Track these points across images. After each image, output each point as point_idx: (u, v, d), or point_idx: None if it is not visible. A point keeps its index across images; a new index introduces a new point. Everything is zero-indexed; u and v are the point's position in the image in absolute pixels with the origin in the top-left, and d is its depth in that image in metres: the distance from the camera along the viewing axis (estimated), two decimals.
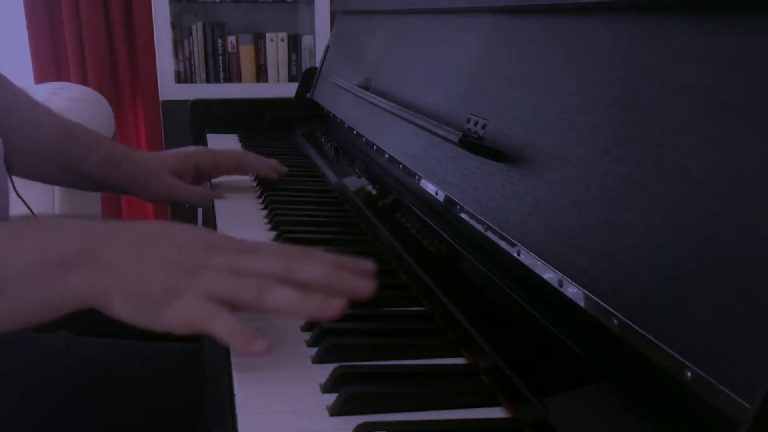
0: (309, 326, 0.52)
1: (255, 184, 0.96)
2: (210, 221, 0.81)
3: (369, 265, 0.51)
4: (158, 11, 2.64)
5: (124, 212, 2.73)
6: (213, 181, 0.97)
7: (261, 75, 2.87)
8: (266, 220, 0.80)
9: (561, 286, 0.45)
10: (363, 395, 0.42)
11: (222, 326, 0.45)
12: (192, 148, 0.94)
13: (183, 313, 0.45)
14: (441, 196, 0.67)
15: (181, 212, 1.35)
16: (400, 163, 0.79)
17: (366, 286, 0.48)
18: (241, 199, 0.89)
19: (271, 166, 0.94)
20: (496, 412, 0.43)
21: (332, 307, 0.46)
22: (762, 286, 0.32)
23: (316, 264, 0.48)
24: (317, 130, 1.24)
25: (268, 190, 0.90)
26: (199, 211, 0.96)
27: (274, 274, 0.47)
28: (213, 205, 0.85)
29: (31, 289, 0.46)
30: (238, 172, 0.94)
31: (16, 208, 0.80)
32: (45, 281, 0.45)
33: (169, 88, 2.73)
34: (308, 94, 1.41)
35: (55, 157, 0.85)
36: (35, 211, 0.86)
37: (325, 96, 1.30)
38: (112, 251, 0.47)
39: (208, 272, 0.47)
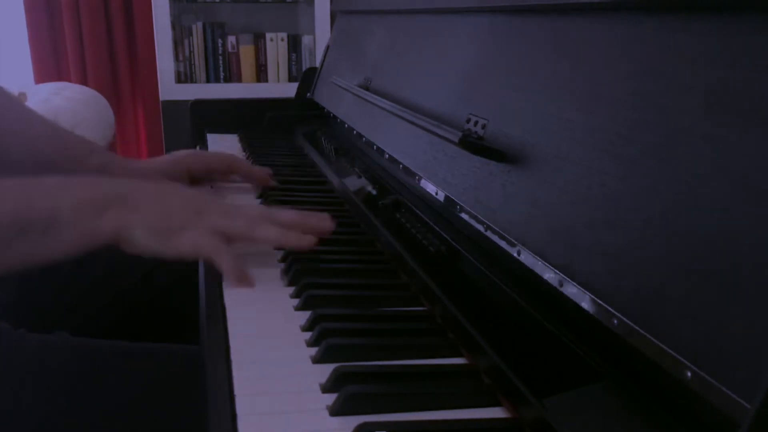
0: (309, 326, 0.52)
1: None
2: None
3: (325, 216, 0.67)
4: (158, 11, 2.65)
5: None
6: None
7: (261, 75, 2.87)
8: None
9: (561, 286, 0.45)
10: (363, 395, 0.42)
11: (225, 261, 0.59)
12: (183, 152, 0.93)
13: (192, 241, 0.59)
14: (441, 196, 0.67)
15: None
16: (400, 163, 0.79)
17: (326, 224, 0.66)
18: (240, 200, 0.89)
19: (264, 172, 0.93)
20: (496, 412, 0.43)
21: (306, 240, 0.62)
22: (762, 286, 0.32)
23: (288, 212, 0.66)
24: (317, 130, 1.24)
25: (268, 190, 0.90)
26: None
27: (258, 216, 0.63)
28: None
29: (81, 224, 0.58)
30: (229, 176, 0.94)
31: None
32: (90, 217, 0.58)
33: (169, 88, 2.73)
34: (308, 94, 1.41)
35: (49, 167, 0.83)
36: None
37: (325, 96, 1.30)
38: (139, 198, 0.61)
39: (212, 213, 0.62)
